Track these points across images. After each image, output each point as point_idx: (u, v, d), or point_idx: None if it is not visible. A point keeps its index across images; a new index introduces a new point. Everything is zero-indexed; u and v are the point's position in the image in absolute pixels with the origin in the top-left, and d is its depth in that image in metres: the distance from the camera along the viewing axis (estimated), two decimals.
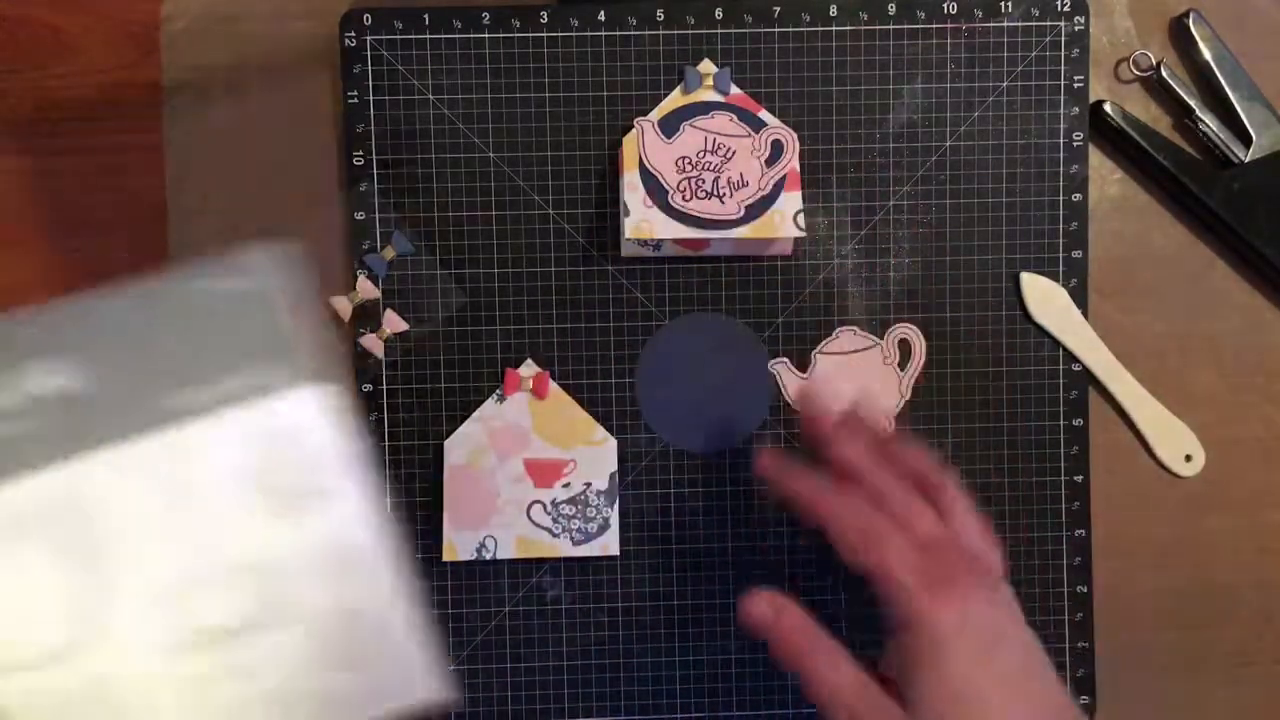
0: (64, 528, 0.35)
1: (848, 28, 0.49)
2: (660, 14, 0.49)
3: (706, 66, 0.49)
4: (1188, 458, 0.51)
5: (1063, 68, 0.50)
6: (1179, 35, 0.50)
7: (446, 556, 0.48)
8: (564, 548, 0.49)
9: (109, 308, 0.36)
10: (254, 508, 0.36)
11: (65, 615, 0.35)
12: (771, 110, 0.49)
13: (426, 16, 0.49)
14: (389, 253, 0.49)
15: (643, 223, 0.47)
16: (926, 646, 0.35)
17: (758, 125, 0.48)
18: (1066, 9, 0.49)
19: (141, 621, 0.36)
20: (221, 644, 0.36)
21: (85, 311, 0.36)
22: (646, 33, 0.49)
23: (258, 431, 0.36)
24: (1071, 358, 0.50)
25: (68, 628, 0.36)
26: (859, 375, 0.50)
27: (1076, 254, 0.50)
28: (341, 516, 0.37)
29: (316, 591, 0.37)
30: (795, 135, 0.48)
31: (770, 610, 0.40)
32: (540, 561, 0.49)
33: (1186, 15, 0.49)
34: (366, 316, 0.49)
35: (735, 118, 0.48)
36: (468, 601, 0.49)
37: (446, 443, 0.49)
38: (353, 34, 0.49)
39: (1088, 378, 0.50)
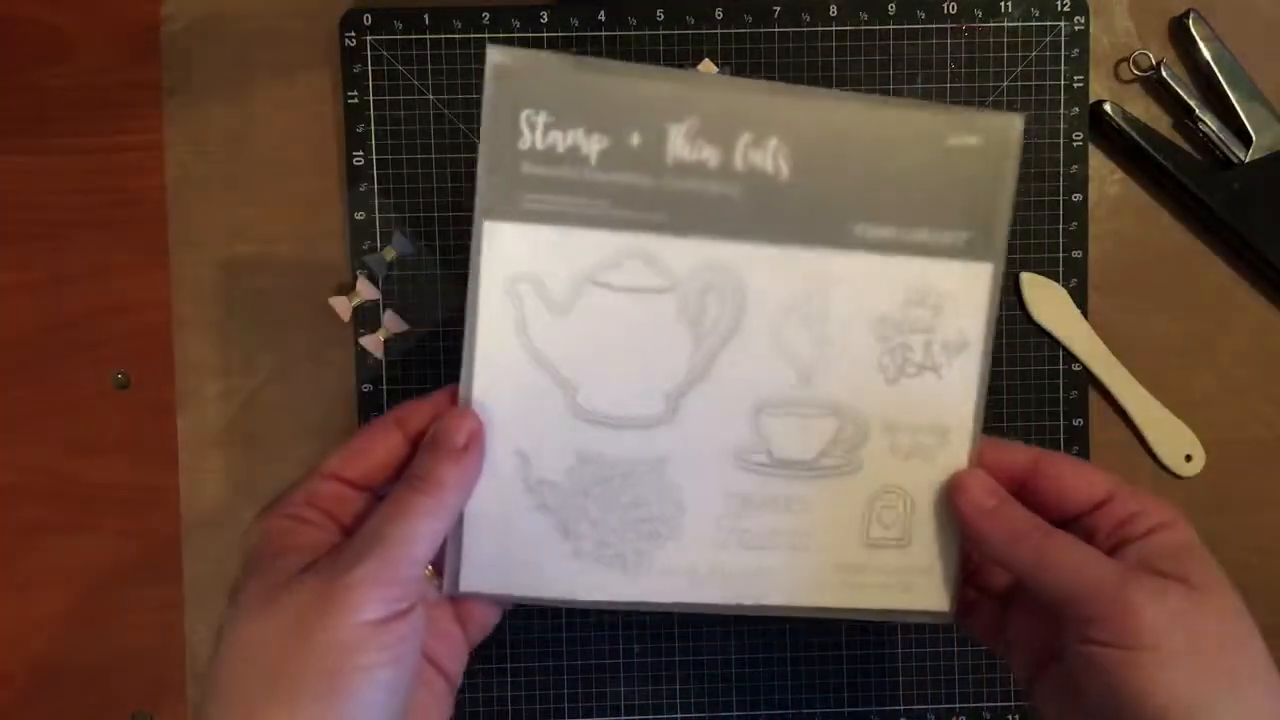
0: (702, 301, 0.35)
1: (848, 28, 0.49)
2: (660, 14, 0.49)
3: (706, 66, 0.49)
4: (1188, 458, 0.51)
5: (1062, 68, 0.50)
6: (1179, 35, 0.50)
7: None
8: None
9: (835, 108, 0.35)
10: (867, 354, 0.36)
11: (669, 386, 0.35)
12: None
13: (426, 16, 0.49)
14: (389, 253, 0.49)
15: None
16: (1190, 539, 0.34)
17: None
18: (1066, 9, 0.49)
19: (719, 422, 0.36)
20: (777, 472, 0.36)
21: (809, 102, 0.35)
22: (646, 33, 0.49)
23: (910, 286, 0.36)
24: (1071, 358, 0.50)
25: (665, 400, 0.36)
26: None
27: (1076, 254, 0.50)
28: (944, 398, 0.36)
29: (887, 459, 0.36)
30: None
31: (991, 500, 0.35)
32: None
33: (1186, 15, 0.49)
34: (366, 316, 0.49)
35: None
36: None
37: None
38: (353, 34, 0.49)
39: (1088, 378, 0.50)
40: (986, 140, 0.35)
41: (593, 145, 0.34)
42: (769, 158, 0.34)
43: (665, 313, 0.35)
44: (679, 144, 0.34)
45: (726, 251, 0.35)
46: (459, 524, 0.36)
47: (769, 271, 0.35)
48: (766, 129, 0.34)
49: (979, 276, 0.36)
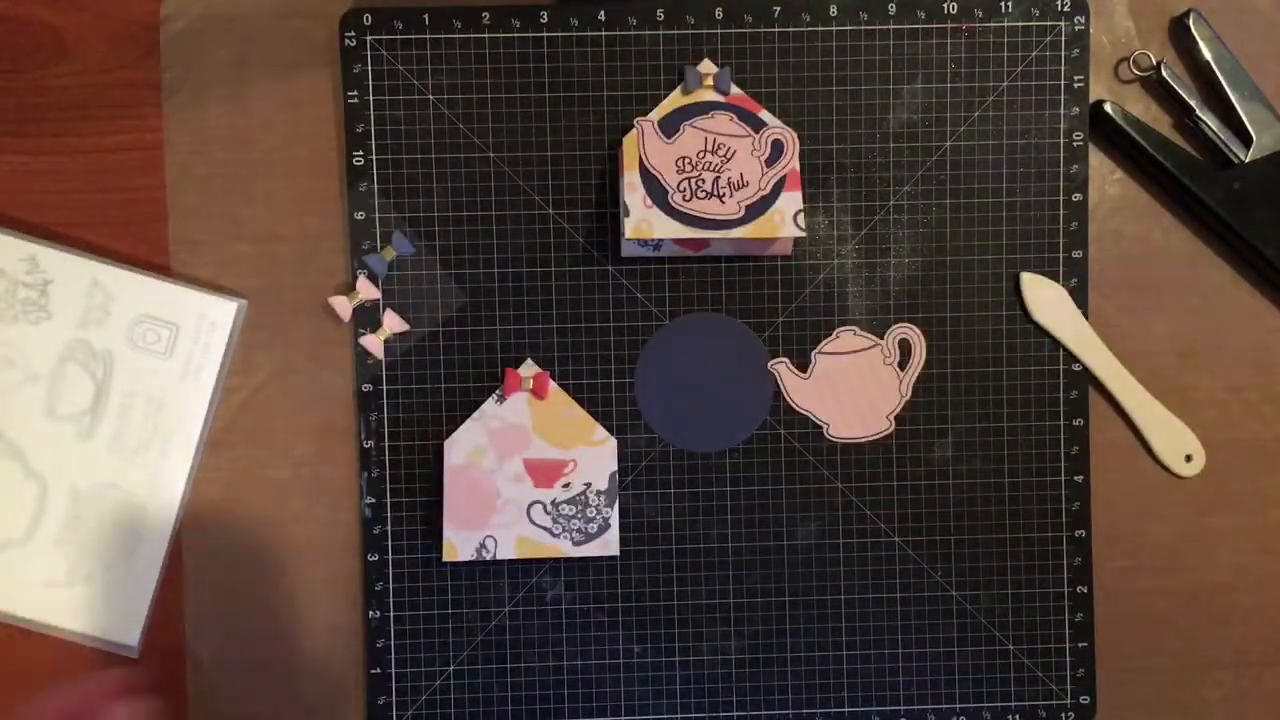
0: None
1: (848, 27, 0.49)
2: (660, 14, 0.49)
3: (707, 66, 0.49)
4: (1188, 458, 0.51)
5: (1063, 67, 0.50)
6: (1179, 35, 0.50)
7: (446, 557, 0.48)
8: (564, 548, 0.49)
9: None
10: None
11: None
12: (771, 110, 0.49)
13: (426, 16, 0.49)
14: (389, 253, 0.49)
15: (642, 223, 0.47)
16: None
17: (758, 125, 0.48)
18: (1067, 9, 0.49)
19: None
20: (69, 423, 0.49)
21: None
22: (646, 32, 0.49)
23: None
24: (1071, 358, 0.50)
25: None
26: (859, 375, 0.50)
27: (1077, 254, 0.50)
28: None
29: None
30: (795, 135, 0.48)
31: None
32: (540, 562, 0.49)
33: (1187, 15, 0.49)
34: (366, 316, 0.49)
35: (735, 117, 0.48)
36: (468, 602, 0.49)
37: (446, 443, 0.49)
38: (353, 34, 0.49)
39: (1088, 378, 0.50)
40: None
41: None
42: None
43: None
44: None
45: None
46: None
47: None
48: None
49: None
